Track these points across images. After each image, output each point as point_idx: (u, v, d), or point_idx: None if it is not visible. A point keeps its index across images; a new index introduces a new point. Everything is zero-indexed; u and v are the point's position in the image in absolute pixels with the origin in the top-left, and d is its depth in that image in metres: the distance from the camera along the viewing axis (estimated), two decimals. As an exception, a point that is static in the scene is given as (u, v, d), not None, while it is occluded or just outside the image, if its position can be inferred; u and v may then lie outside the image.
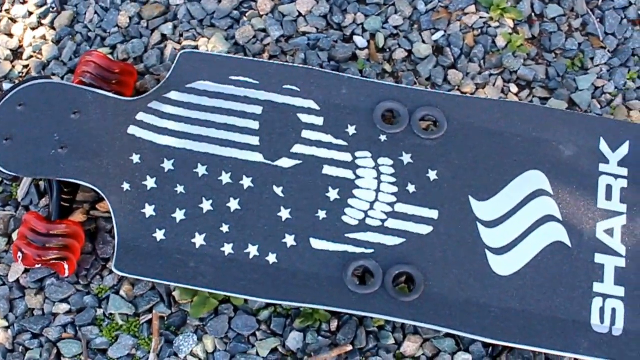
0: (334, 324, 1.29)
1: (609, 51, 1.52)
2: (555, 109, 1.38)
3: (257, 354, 1.27)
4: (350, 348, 1.27)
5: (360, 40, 1.51)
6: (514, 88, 1.47)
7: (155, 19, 1.53)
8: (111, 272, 1.33)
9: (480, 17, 1.53)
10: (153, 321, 1.29)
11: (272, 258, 1.26)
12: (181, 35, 1.52)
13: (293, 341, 1.27)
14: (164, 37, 1.52)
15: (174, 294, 1.31)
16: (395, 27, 1.52)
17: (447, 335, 1.28)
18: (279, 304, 1.30)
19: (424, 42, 1.51)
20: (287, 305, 1.29)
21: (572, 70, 1.50)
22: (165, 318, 1.30)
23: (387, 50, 1.51)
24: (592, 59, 1.51)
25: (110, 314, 1.31)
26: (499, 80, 1.47)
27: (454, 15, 1.54)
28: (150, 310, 1.31)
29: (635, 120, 1.44)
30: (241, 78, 1.37)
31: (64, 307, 1.31)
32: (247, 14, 1.54)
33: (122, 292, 1.31)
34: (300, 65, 1.40)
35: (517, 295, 1.25)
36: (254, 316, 1.29)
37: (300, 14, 1.54)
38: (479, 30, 1.52)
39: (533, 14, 1.55)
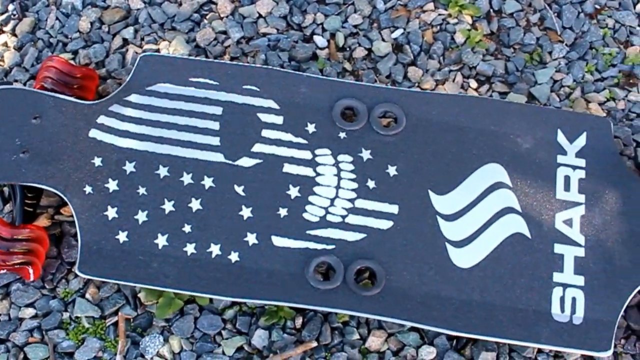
0: (299, 321, 1.29)
1: (566, 45, 1.54)
2: (512, 102, 1.40)
3: (223, 353, 1.28)
4: (315, 344, 1.28)
5: (320, 40, 1.52)
6: (473, 83, 1.48)
7: (116, 24, 1.54)
8: (77, 275, 1.33)
9: (439, 14, 1.55)
10: (119, 323, 1.30)
11: (234, 256, 1.27)
12: (142, 39, 1.52)
13: (258, 339, 1.28)
14: (125, 41, 1.52)
15: (139, 295, 1.31)
16: (355, 26, 1.54)
17: (412, 329, 1.29)
18: (243, 303, 1.31)
19: (383, 40, 1.52)
20: (251, 303, 1.30)
21: (530, 65, 1.52)
22: (131, 320, 1.31)
23: (347, 49, 1.52)
24: (550, 53, 1.53)
25: (77, 317, 1.31)
26: (458, 76, 1.49)
27: (413, 12, 1.55)
28: (116, 313, 1.31)
29: (594, 113, 1.46)
30: (201, 79, 1.38)
31: (30, 311, 1.31)
32: (207, 17, 1.54)
33: (87, 295, 1.32)
34: (259, 66, 1.41)
35: (478, 287, 1.26)
36: (219, 315, 1.30)
37: (260, 15, 1.54)
38: (438, 27, 1.54)
39: (491, 10, 1.57)
